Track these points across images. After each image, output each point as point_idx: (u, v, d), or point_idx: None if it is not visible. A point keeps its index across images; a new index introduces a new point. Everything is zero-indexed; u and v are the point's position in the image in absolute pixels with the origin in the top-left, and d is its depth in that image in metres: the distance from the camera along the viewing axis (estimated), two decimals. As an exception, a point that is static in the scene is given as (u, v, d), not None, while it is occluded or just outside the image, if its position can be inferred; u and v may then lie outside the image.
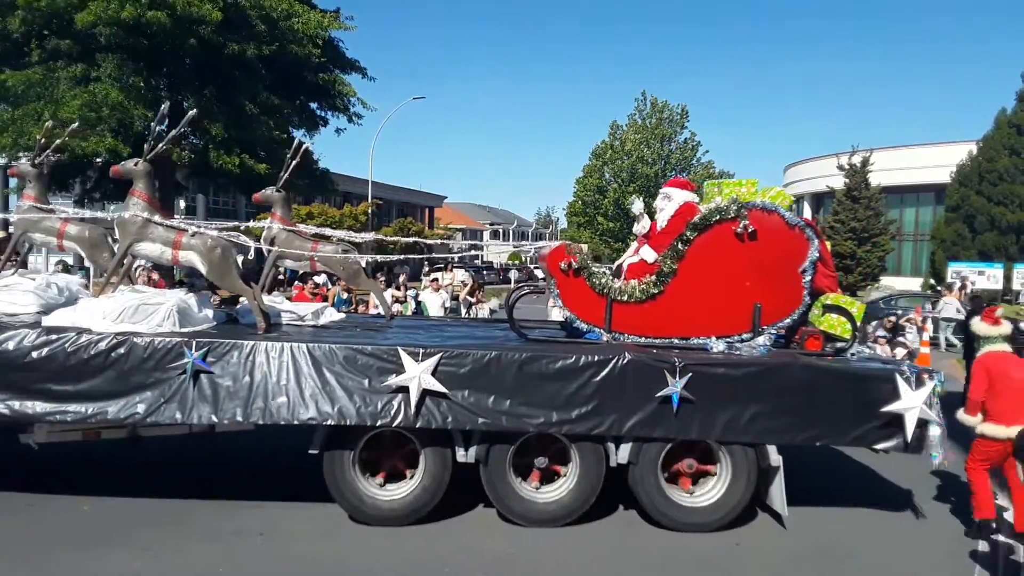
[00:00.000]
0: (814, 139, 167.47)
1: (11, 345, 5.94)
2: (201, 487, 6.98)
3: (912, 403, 6.26)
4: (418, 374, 6.04)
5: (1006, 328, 6.61)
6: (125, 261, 6.91)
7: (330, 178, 25.40)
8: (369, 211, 41.08)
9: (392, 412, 6.10)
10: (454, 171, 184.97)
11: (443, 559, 5.81)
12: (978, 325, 6.75)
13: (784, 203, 7.02)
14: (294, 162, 7.86)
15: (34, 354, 5.95)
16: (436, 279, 14.84)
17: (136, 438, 6.56)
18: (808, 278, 6.84)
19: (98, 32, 16.96)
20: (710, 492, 6.56)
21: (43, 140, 7.21)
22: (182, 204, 37.84)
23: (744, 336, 6.81)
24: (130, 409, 5.99)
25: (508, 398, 6.20)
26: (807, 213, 49.47)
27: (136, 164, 6.47)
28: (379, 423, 6.14)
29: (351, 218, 40.72)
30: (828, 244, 7.32)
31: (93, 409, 5.99)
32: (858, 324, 7.03)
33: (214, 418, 6.06)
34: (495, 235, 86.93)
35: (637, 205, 7.42)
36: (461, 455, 6.29)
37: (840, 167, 40.94)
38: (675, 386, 6.17)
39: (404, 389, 6.07)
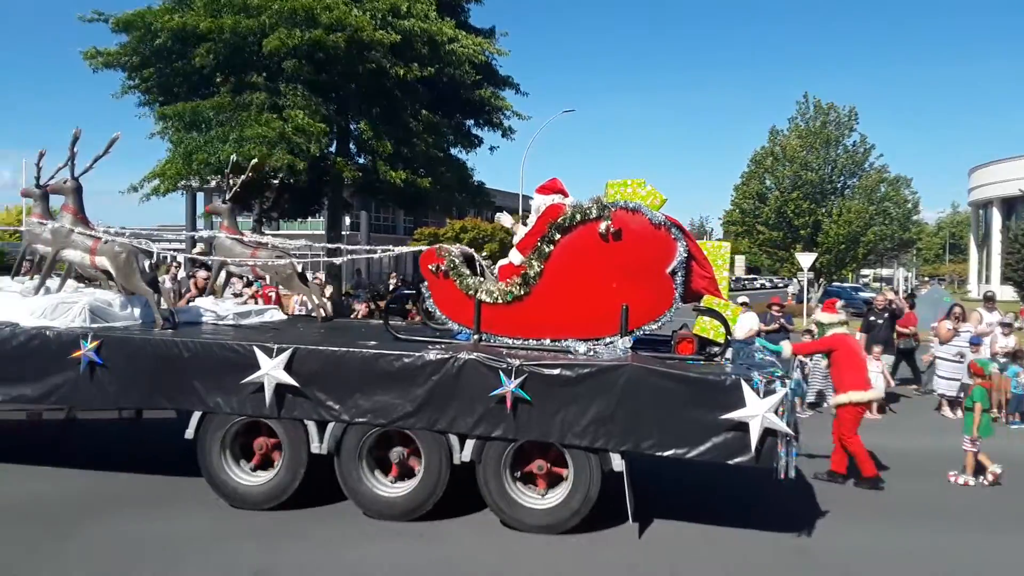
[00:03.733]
0: (1003, 140, 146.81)
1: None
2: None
3: (756, 411, 5.82)
4: (269, 369, 6.53)
5: (843, 315, 8.78)
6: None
7: (486, 191, 26.46)
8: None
9: (250, 403, 6.65)
10: (603, 182, 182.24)
11: (604, 569, 5.88)
12: (820, 315, 9.12)
13: (655, 203, 6.78)
14: (242, 177, 8.68)
15: (-27, 344, 7.11)
16: None
17: (71, 419, 7.58)
18: (679, 279, 6.54)
19: (284, 67, 18.82)
20: (552, 495, 6.47)
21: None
22: (347, 221, 40.67)
23: (612, 338, 6.65)
24: (44, 393, 7.00)
25: (355, 393, 6.52)
26: (996, 219, 44.17)
27: (66, 183, 7.54)
28: (239, 413, 6.71)
29: (502, 231, 41.96)
30: (705, 244, 6.93)
31: (16, 392, 7.06)
32: (731, 327, 6.60)
33: (107, 403, 6.92)
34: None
35: (505, 218, 7.46)
36: (316, 447, 6.67)
37: (1034, 167, 36.47)
38: (507, 386, 6.19)
39: (261, 382, 6.59)
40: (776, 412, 5.85)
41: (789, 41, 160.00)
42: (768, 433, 5.89)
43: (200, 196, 42.66)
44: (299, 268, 8.47)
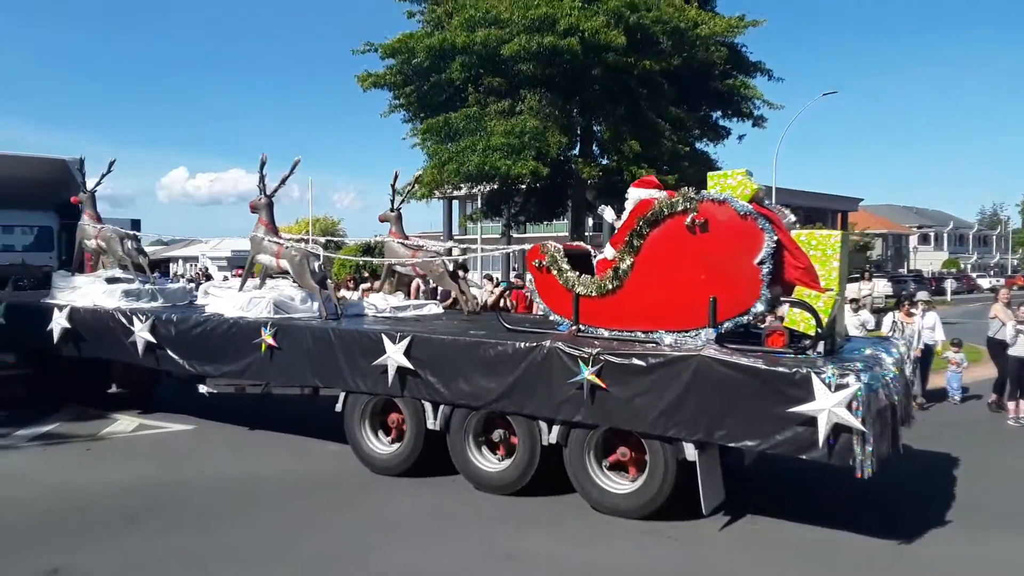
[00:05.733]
0: None
1: (187, 325, 9.05)
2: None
3: (824, 405, 5.55)
4: (392, 353, 7.50)
5: None
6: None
7: None
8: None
9: (380, 383, 7.67)
10: (872, 171, 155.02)
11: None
12: None
13: (744, 193, 6.65)
14: (408, 188, 9.83)
15: (197, 330, 8.98)
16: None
17: (267, 394, 9.20)
18: (767, 270, 6.37)
19: (522, 69, 20.00)
20: (631, 481, 6.64)
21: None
22: (590, 221, 41.24)
23: (698, 330, 6.65)
24: (239, 370, 8.65)
25: (460, 377, 7.24)
26: None
27: (260, 200, 9.17)
28: (372, 392, 7.77)
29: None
30: (814, 234, 6.58)
31: (225, 368, 8.80)
32: (823, 320, 6.24)
33: (281, 381, 8.38)
34: (924, 239, 74.34)
35: (609, 213, 7.63)
36: (431, 423, 7.51)
37: None
38: (583, 374, 6.51)
39: (386, 365, 7.58)
40: (848, 407, 5.52)
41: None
42: (840, 428, 5.59)
43: (456, 204, 45.96)
44: (450, 267, 9.40)
